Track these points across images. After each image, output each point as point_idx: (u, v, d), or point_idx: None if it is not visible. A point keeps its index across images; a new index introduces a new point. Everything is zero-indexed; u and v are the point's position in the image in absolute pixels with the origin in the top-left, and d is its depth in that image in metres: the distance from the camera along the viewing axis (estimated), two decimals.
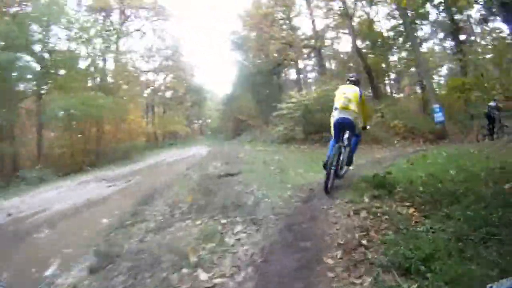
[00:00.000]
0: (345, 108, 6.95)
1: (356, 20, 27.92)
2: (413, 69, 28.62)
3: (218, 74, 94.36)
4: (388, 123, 20.13)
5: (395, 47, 28.81)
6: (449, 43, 29.02)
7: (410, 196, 5.76)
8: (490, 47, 26.86)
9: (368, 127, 8.13)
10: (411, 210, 5.30)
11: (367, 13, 28.68)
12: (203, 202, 7.63)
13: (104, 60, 32.45)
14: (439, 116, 18.48)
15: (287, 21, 31.29)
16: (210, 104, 50.67)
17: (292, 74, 35.90)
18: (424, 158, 9.43)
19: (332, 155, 6.78)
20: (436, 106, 18.73)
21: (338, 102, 7.06)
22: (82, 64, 28.68)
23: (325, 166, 6.76)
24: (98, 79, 30.88)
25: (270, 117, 24.18)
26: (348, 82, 7.61)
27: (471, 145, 14.10)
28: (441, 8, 25.96)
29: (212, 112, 48.81)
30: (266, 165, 12.10)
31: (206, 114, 52.27)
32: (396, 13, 27.14)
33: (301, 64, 34.80)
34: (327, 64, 32.73)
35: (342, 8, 27.32)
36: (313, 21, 29.76)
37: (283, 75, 34.35)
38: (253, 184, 8.67)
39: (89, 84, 29.90)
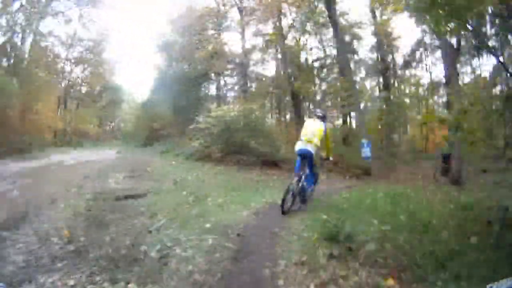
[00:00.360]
0: (308, 141, 7.46)
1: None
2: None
3: (139, 77, 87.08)
4: None
5: (320, 76, 28.04)
6: (369, 82, 29.29)
7: (379, 256, 4.34)
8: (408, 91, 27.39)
9: (331, 158, 8.66)
10: (390, 281, 3.79)
11: (297, 40, 27.68)
12: (86, 243, 5.09)
13: (23, 40, 28.53)
14: (366, 152, 17.31)
15: (217, 33, 29.32)
16: (126, 107, 47.10)
17: (212, 89, 33.79)
18: (362, 198, 8.59)
19: (292, 184, 7.20)
20: (364, 141, 17.55)
21: (304, 135, 7.59)
22: None
23: (287, 195, 7.08)
24: (12, 60, 27.17)
25: (186, 130, 21.91)
26: (315, 117, 8.17)
27: (399, 184, 13.62)
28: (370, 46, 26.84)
29: (128, 116, 45.32)
30: (178, 187, 9.70)
31: (121, 117, 48.50)
32: (325, 44, 26.65)
33: (222, 81, 33.10)
34: (248, 85, 31.06)
35: (275, 31, 25.86)
36: (243, 37, 28.00)
37: (203, 88, 32.22)
38: (160, 216, 6.39)
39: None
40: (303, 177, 7.44)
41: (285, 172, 15.45)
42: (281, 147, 18.04)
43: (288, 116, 30.62)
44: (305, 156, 7.50)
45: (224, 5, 28.28)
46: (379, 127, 23.33)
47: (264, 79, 30.62)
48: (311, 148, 7.47)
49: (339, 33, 20.92)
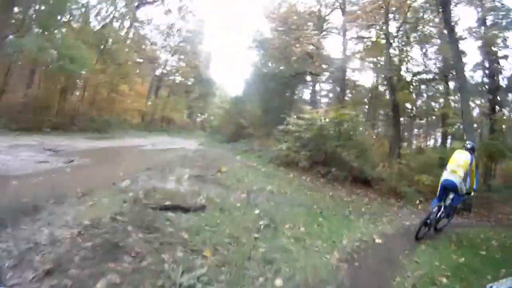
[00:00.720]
0: (453, 172, 7.12)
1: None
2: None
3: (232, 72, 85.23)
4: (411, 175, 15.69)
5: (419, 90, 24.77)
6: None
7: None
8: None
9: (472, 193, 8.04)
10: None
11: (400, 50, 24.74)
12: (68, 284, 3.02)
13: (120, 25, 30.27)
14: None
15: (316, 34, 26.95)
16: (217, 101, 46.50)
17: (306, 94, 31.95)
18: (476, 246, 7.36)
19: (432, 213, 7.11)
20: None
21: (450, 165, 7.32)
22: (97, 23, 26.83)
23: (424, 223, 7.09)
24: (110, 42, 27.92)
25: (274, 131, 20.09)
26: (464, 148, 7.75)
27: (503, 228, 11.53)
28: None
29: (217, 110, 44.04)
30: (250, 202, 7.16)
31: (211, 110, 48.01)
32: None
33: (317, 86, 31.23)
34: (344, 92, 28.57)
35: (381, 36, 23.25)
36: (344, 41, 25.58)
37: (296, 91, 30.26)
38: (206, 253, 3.94)
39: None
40: (442, 208, 7.29)
41: (377, 194, 13.44)
42: (377, 163, 15.88)
43: (379, 130, 28.68)
44: (449, 188, 7.22)
45: (326, 6, 26.61)
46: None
47: (360, 88, 28.51)
48: (454, 179, 7.10)
49: (456, 43, 17.55)
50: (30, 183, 6.99)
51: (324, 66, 26.41)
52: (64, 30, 22.60)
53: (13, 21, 19.56)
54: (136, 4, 30.31)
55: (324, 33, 27.11)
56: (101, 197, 5.99)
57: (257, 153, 19.02)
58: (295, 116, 17.21)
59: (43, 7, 20.78)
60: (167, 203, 5.73)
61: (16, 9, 19.99)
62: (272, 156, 16.89)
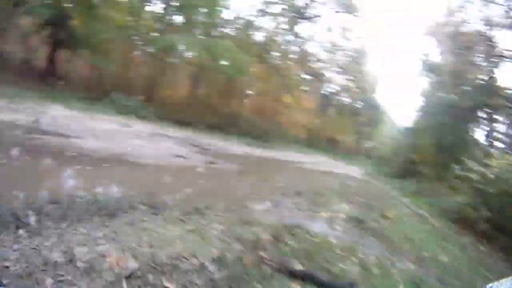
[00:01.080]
0: None
1: None
2: None
3: (403, 99, 77.94)
4: None
5: None
6: None
7: None
8: None
9: None
10: None
11: None
12: None
13: (283, 40, 31.62)
14: None
15: (485, 60, 23.35)
16: (386, 129, 43.85)
17: (478, 134, 26.16)
18: None
19: None
20: None
21: None
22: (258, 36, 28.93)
23: None
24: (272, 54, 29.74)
25: (448, 174, 16.82)
26: None
27: None
28: None
29: (385, 139, 41.10)
30: (420, 284, 4.65)
31: (379, 138, 44.95)
32: None
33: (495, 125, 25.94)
34: None
35: None
36: None
37: (471, 130, 25.08)
38: None
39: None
40: None
41: None
42: None
43: None
44: None
45: (497, 26, 22.52)
46: None
47: None
48: None
49: None
50: (144, 176, 5.88)
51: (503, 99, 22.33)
52: (223, 38, 23.91)
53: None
54: (296, 20, 31.28)
55: (495, 59, 23.07)
56: (214, 221, 4.35)
57: (428, 199, 16.06)
58: (478, 162, 13.69)
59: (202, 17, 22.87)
60: (298, 267, 3.62)
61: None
62: (444, 206, 13.94)
